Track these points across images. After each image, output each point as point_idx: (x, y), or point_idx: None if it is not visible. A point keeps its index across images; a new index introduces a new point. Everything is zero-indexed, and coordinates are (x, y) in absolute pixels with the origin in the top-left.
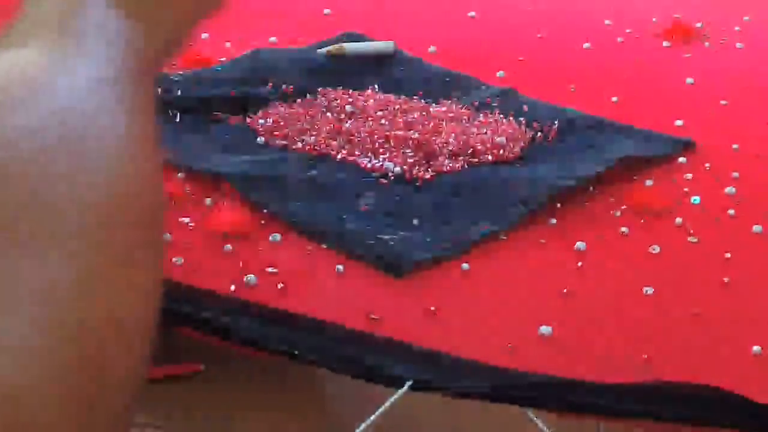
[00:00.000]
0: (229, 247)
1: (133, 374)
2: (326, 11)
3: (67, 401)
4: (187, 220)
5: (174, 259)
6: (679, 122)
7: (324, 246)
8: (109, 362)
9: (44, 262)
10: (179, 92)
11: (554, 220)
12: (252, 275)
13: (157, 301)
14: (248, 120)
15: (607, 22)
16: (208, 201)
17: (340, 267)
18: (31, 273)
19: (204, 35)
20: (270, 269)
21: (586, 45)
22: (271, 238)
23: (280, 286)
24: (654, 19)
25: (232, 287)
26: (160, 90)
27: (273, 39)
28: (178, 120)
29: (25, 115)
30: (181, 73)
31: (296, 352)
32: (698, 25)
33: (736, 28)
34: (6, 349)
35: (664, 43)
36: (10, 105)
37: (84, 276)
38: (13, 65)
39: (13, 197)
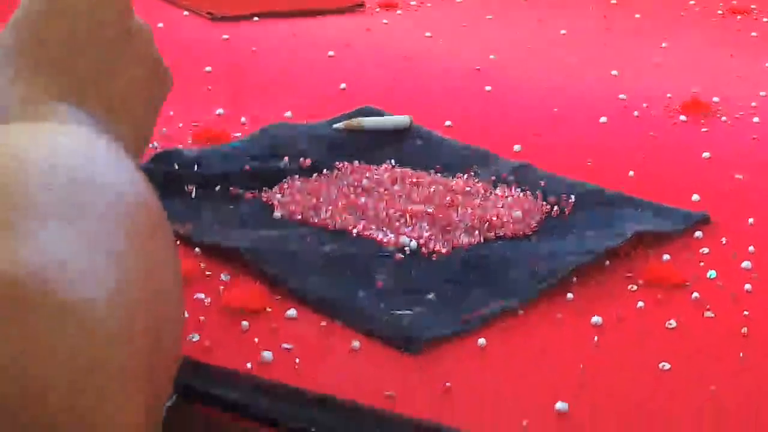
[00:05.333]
0: (245, 323)
1: (174, 348)
2: (342, 86)
3: (136, 343)
4: (202, 296)
5: (189, 336)
6: (695, 197)
7: (339, 322)
8: (163, 327)
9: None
10: (196, 168)
11: (571, 295)
12: (268, 352)
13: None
14: (264, 195)
15: (622, 96)
16: (223, 276)
17: (356, 343)
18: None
19: (219, 111)
20: (286, 345)
21: (602, 119)
22: (287, 313)
23: (297, 361)
24: (669, 95)
25: (249, 365)
26: (176, 165)
27: (288, 114)
28: (193, 196)
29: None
30: (197, 149)
31: (313, 430)
32: (715, 99)
33: (753, 104)
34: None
35: (681, 118)
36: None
37: (148, 254)
38: (50, 127)
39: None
